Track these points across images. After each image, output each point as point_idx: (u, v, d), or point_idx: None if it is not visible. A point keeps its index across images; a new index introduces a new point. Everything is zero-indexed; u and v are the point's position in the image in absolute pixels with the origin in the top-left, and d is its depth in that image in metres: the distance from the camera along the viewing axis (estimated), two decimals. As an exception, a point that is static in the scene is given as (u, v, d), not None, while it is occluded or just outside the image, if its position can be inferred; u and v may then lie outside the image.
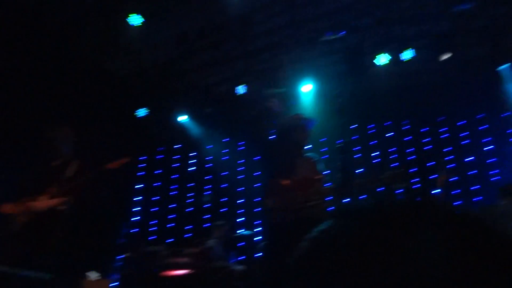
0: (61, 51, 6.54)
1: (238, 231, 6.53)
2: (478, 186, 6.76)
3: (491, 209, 3.07)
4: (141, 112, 7.29)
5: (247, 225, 6.92)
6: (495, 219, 2.95)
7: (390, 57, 6.76)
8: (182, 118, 7.46)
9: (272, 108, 3.45)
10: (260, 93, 7.50)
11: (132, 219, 7.22)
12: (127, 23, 5.99)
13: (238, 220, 7.19)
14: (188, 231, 7.43)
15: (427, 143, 7.60)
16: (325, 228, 0.52)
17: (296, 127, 3.25)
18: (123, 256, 5.09)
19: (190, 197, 7.74)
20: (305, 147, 3.26)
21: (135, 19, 5.79)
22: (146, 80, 7.70)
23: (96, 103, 7.15)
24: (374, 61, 6.97)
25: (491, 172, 6.93)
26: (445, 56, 6.45)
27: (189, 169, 8.10)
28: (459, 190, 6.90)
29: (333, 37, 6.81)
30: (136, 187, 7.51)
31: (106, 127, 7.02)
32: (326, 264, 0.46)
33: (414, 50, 6.72)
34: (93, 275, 5.08)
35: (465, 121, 7.45)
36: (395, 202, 0.52)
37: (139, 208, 7.22)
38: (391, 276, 0.42)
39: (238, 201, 7.37)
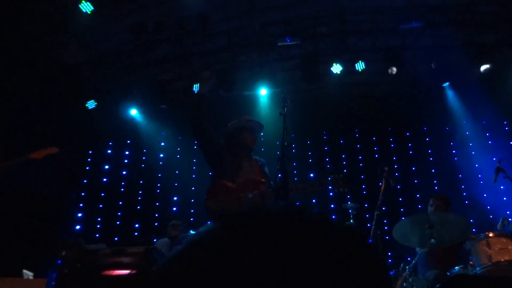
0: (8, 36, 6.13)
1: (190, 231, 6.46)
2: (417, 195, 7.18)
3: (420, 217, 3.28)
4: (90, 104, 6.99)
5: (198, 225, 6.87)
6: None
7: (342, 68, 6.99)
8: (133, 112, 7.25)
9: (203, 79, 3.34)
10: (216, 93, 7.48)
11: (77, 215, 6.91)
12: (79, 9, 5.72)
13: (190, 219, 7.12)
14: (136, 230, 7.24)
15: (375, 152, 7.95)
16: (203, 231, 0.54)
17: (244, 129, 3.26)
18: (61, 254, 4.85)
19: (139, 195, 7.55)
20: (251, 150, 3.28)
21: (86, 6, 5.54)
22: (97, 71, 7.40)
23: (42, 92, 6.78)
24: (330, 69, 7.17)
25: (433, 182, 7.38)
26: (393, 70, 6.77)
27: (142, 165, 7.90)
28: (400, 199, 7.30)
29: (290, 43, 6.94)
30: (83, 182, 7.19)
31: (54, 118, 6.68)
32: (197, 266, 0.48)
33: (365, 62, 7.00)
34: (27, 274, 4.81)
35: (408, 133, 7.89)
36: (272, 209, 0.55)
37: (82, 205, 6.92)
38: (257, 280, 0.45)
39: (191, 200, 7.30)
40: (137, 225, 7.20)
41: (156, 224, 7.13)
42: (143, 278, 4.42)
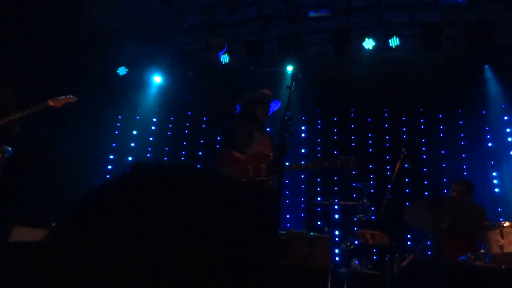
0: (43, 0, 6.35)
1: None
2: (444, 179, 6.94)
3: (433, 201, 3.18)
4: (121, 70, 7.19)
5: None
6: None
7: (375, 43, 6.71)
8: (157, 80, 7.40)
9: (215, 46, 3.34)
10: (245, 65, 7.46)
11: (107, 177, 7.29)
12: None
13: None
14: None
15: (403, 133, 7.70)
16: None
17: (258, 102, 3.26)
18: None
19: (164, 162, 7.80)
20: (262, 124, 3.27)
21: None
22: (129, 39, 7.55)
23: (76, 57, 7.03)
24: (362, 44, 6.91)
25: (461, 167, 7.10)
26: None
27: (168, 133, 8.13)
28: (425, 182, 7.10)
29: (321, 15, 6.70)
30: (112, 145, 7.53)
31: (86, 83, 6.95)
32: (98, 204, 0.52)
33: (400, 38, 6.67)
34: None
35: (441, 115, 7.53)
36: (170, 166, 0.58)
37: (111, 167, 7.28)
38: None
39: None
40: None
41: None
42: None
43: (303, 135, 8.00)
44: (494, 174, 6.81)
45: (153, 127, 7.95)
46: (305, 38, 7.66)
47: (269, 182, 2.75)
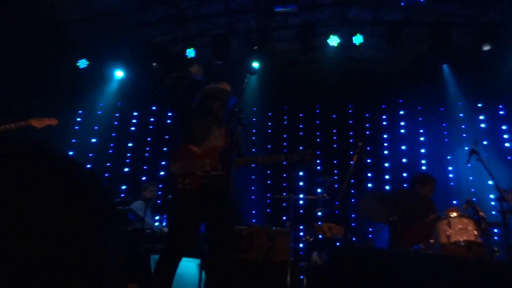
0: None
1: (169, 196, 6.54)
2: (404, 174, 7.16)
3: (385, 193, 3.27)
4: (82, 63, 6.94)
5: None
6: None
7: (339, 41, 6.80)
8: (119, 74, 7.20)
9: (193, 73, 3.30)
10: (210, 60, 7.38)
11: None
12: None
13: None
14: (122, 192, 7.36)
15: (367, 129, 7.88)
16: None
17: (215, 98, 3.21)
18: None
19: (127, 157, 7.62)
20: (220, 119, 3.21)
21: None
22: (91, 30, 7.29)
23: (35, 48, 6.71)
24: (327, 41, 6.98)
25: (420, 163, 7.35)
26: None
27: (131, 128, 7.93)
28: (387, 177, 7.31)
29: (287, 10, 6.72)
30: (71, 141, 7.25)
31: (45, 75, 6.66)
32: None
33: (363, 36, 6.79)
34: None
35: (402, 112, 7.77)
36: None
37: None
38: None
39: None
40: (124, 187, 7.32)
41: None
42: (118, 238, 4.53)
43: (269, 130, 8.03)
44: (450, 168, 7.10)
45: (115, 122, 7.74)
46: (273, 34, 7.67)
47: (226, 177, 2.73)
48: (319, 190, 6.54)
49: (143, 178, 7.38)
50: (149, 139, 7.81)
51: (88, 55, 7.05)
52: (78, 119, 7.36)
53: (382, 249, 2.98)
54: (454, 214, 3.33)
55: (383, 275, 1.03)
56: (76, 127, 7.31)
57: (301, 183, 7.43)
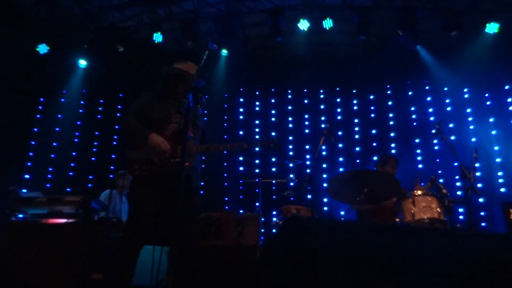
0: None
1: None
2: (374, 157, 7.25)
3: (352, 174, 3.26)
4: (42, 48, 6.59)
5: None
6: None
7: (309, 25, 6.75)
8: (82, 63, 6.91)
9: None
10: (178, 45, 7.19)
11: (26, 164, 6.69)
12: None
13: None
14: (90, 181, 7.12)
15: (338, 113, 7.92)
16: None
17: (178, 78, 3.05)
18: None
19: (94, 146, 7.36)
20: (181, 102, 3.05)
21: None
22: (52, 13, 6.91)
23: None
24: (297, 25, 6.91)
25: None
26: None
27: (98, 116, 7.64)
28: (358, 161, 7.39)
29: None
30: (33, 130, 6.90)
31: (1, 61, 6.27)
32: None
33: (333, 20, 6.77)
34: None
35: (372, 96, 7.85)
36: None
37: (32, 154, 6.68)
38: None
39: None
40: (91, 177, 7.07)
41: (111, 176, 7.01)
42: (81, 227, 4.36)
43: (241, 117, 7.94)
44: (418, 151, 7.26)
45: (80, 110, 7.43)
46: (243, 18, 7.53)
47: (187, 163, 2.61)
48: (291, 176, 6.55)
49: (111, 168, 7.16)
50: (117, 127, 7.55)
51: (49, 40, 6.69)
52: (40, 107, 7.00)
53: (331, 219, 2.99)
54: (419, 192, 3.38)
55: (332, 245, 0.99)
56: (38, 116, 6.96)
57: (273, 169, 7.42)
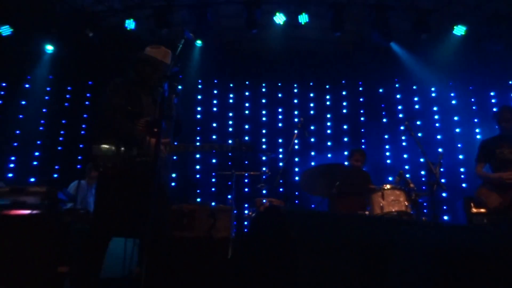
0: None
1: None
2: (345, 152, 7.43)
3: (324, 167, 3.32)
4: (5, 30, 6.24)
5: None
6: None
7: (285, 19, 6.77)
8: (49, 48, 6.61)
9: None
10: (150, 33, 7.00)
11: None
12: None
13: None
14: (56, 171, 6.86)
15: (311, 108, 8.01)
16: None
17: (148, 63, 2.92)
18: None
19: (61, 135, 7.08)
20: (151, 88, 2.96)
21: None
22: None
23: None
24: (273, 18, 6.91)
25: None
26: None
27: (66, 104, 7.34)
28: (329, 155, 7.53)
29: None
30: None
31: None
32: None
33: (309, 15, 6.81)
34: None
35: (344, 92, 7.99)
36: None
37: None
38: None
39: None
40: (57, 167, 6.82)
41: (78, 166, 6.80)
42: (46, 218, 4.20)
43: (214, 109, 7.88)
44: (387, 147, 7.48)
45: (46, 97, 7.11)
46: (218, 9, 7.43)
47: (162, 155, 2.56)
48: (264, 169, 6.58)
49: (79, 158, 6.93)
50: (85, 115, 7.29)
51: (12, 22, 6.34)
52: (1, 92, 6.64)
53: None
54: (388, 186, 3.49)
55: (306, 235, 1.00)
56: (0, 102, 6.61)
57: (246, 162, 7.42)
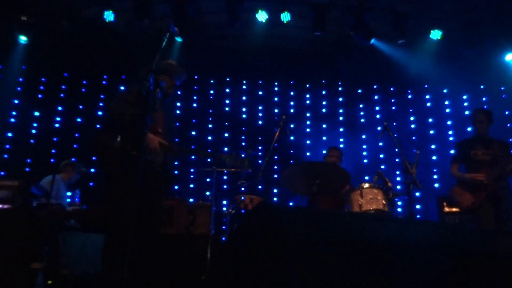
0: None
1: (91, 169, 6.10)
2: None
3: (305, 165, 3.36)
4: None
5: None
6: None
7: (268, 17, 6.78)
8: (23, 39, 6.37)
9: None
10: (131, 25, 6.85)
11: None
12: None
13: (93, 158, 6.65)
14: (27, 165, 6.62)
15: (291, 106, 8.06)
16: None
17: (161, 73, 2.98)
18: None
19: (33, 128, 6.84)
20: (167, 96, 3.04)
21: None
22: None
23: None
24: (256, 16, 6.90)
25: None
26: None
27: (39, 96, 7.08)
28: (308, 153, 7.61)
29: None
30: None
31: None
32: None
33: (291, 14, 6.84)
34: None
35: (324, 92, 8.09)
36: None
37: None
38: None
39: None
40: (29, 160, 6.58)
41: (52, 160, 6.59)
42: (19, 213, 4.06)
43: (194, 105, 7.81)
44: (364, 147, 7.64)
45: (18, 88, 6.83)
46: (200, 4, 7.35)
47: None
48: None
49: (53, 151, 6.71)
50: (60, 108, 7.06)
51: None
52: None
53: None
54: (366, 185, 3.56)
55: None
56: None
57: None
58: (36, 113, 6.89)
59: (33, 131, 6.84)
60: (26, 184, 4.07)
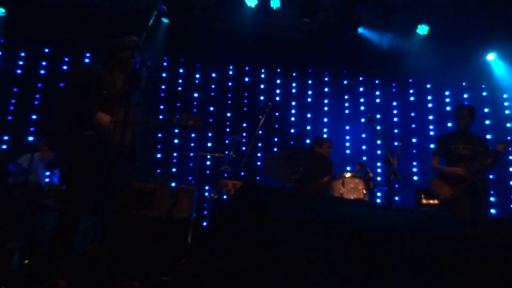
0: None
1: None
2: (307, 140, 7.56)
3: (288, 153, 3.37)
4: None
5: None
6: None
7: (257, 2, 6.70)
8: (0, 11, 6.11)
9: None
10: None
11: None
12: None
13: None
14: (5, 142, 6.42)
15: (277, 94, 8.05)
16: None
17: (126, 49, 2.91)
18: None
19: (12, 104, 6.62)
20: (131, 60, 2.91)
21: None
22: None
23: None
24: (245, 1, 6.81)
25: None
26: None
27: (17, 71, 6.84)
28: (292, 142, 7.65)
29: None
30: None
31: None
32: None
33: (280, 1, 6.77)
34: None
35: (310, 81, 8.10)
36: None
37: None
38: None
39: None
40: (6, 138, 6.38)
41: (30, 138, 6.41)
42: (-5, 190, 3.96)
43: (179, 88, 7.70)
44: (347, 137, 7.73)
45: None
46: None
47: (114, 139, 2.53)
48: (226, 152, 6.56)
49: (31, 129, 6.53)
50: (39, 85, 6.84)
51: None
52: None
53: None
54: (348, 174, 3.61)
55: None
56: None
57: (209, 144, 7.37)
58: (14, 89, 6.66)
59: (11, 108, 6.62)
60: (3, 162, 3.96)
